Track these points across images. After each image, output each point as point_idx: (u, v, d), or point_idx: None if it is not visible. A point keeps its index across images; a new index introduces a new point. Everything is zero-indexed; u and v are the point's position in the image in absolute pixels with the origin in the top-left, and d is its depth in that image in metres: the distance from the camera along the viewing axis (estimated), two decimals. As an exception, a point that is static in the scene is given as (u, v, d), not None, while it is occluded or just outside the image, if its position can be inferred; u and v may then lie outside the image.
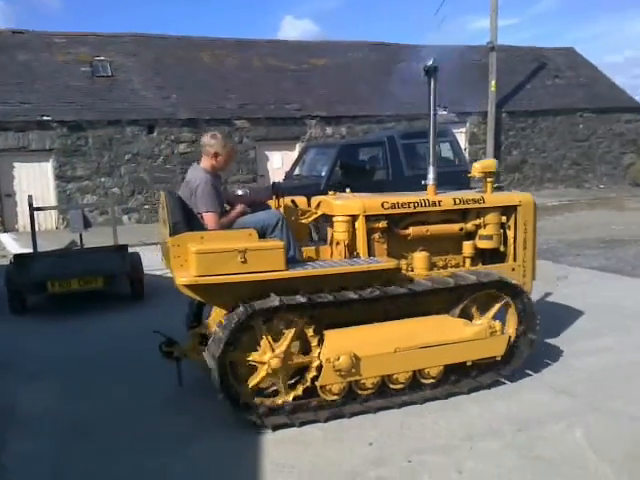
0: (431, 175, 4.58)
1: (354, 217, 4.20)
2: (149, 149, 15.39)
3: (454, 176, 10.05)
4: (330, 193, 4.62)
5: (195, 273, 3.53)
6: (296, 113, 16.81)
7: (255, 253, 3.59)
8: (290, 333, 3.76)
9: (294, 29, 64.89)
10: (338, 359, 3.72)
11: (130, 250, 7.56)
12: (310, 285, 3.80)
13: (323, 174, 9.46)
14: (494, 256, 4.66)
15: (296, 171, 10.87)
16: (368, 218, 4.23)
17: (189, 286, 3.62)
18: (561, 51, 24.50)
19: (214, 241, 3.68)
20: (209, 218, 3.98)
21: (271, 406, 3.81)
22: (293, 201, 4.51)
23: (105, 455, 3.57)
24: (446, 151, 10.86)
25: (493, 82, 18.87)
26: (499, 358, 4.22)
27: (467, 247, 4.52)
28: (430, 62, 4.46)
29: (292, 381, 3.94)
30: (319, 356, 3.80)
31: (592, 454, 3.35)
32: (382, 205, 4.28)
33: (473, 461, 3.34)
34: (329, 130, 17.08)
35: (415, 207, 4.36)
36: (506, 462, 3.32)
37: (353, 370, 3.77)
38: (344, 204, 4.29)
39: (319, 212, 4.49)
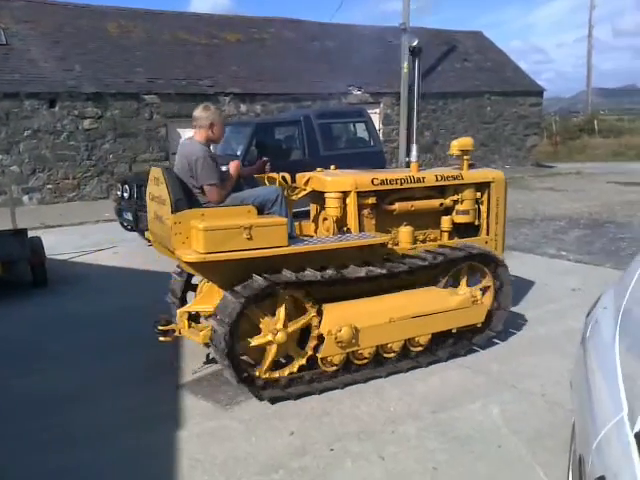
0: (414, 152, 4.78)
1: (346, 193, 4.31)
2: (51, 124, 14.41)
3: (369, 157, 10.12)
4: (318, 170, 4.65)
5: (203, 250, 3.52)
6: (209, 89, 16.30)
7: (260, 229, 3.63)
8: (282, 308, 3.81)
9: (205, 2, 63.03)
10: (340, 331, 3.85)
11: (31, 234, 7.04)
12: (309, 260, 3.87)
13: (238, 153, 9.21)
14: (468, 230, 4.90)
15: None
16: (359, 194, 4.34)
17: (195, 263, 3.61)
18: (470, 35, 25.22)
19: (215, 218, 3.67)
20: (212, 191, 3.93)
21: (274, 379, 3.89)
22: (284, 177, 4.54)
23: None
24: (361, 132, 10.90)
25: (406, 64, 19.11)
26: (479, 325, 4.49)
27: (445, 221, 4.77)
28: (415, 43, 4.63)
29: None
30: (319, 328, 3.90)
31: (507, 431, 3.45)
32: (372, 181, 4.41)
33: (394, 446, 3.35)
34: (243, 108, 16.71)
35: (402, 183, 4.53)
36: (426, 444, 3.35)
37: (353, 341, 3.91)
38: (336, 180, 4.38)
39: (308, 189, 4.53)
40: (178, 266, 4.65)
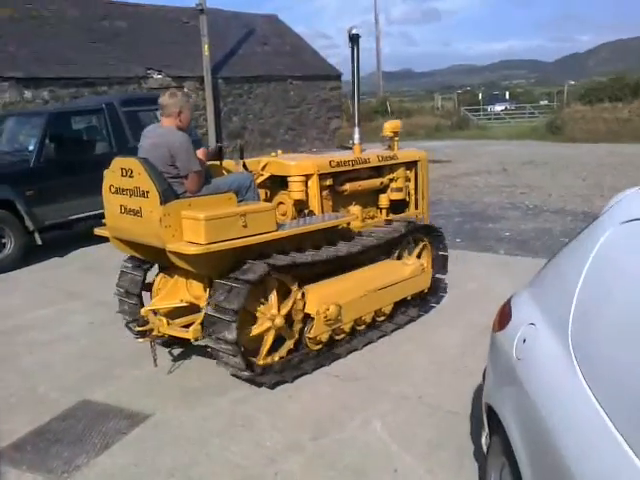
0: (357, 135, 4.96)
1: (308, 176, 4.37)
2: None
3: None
4: (272, 154, 4.67)
5: (204, 240, 3.41)
6: (-19, 74, 13.95)
7: (253, 215, 3.62)
8: (273, 293, 3.83)
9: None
10: (328, 309, 3.94)
11: None
12: (287, 243, 3.94)
13: (31, 148, 7.82)
14: (399, 206, 5.21)
15: (-7, 146, 8.86)
16: (320, 177, 4.42)
17: (196, 255, 3.45)
18: (266, 18, 25.10)
19: (201, 207, 3.55)
20: (195, 178, 3.74)
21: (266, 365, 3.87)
22: (244, 164, 4.48)
23: None
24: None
25: (206, 46, 18.31)
26: (426, 290, 4.95)
27: (383, 199, 5.05)
28: (354, 30, 4.70)
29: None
30: (303, 309, 3.96)
31: (397, 449, 3.15)
32: (330, 164, 4.53)
33: (283, 491, 2.85)
34: (28, 94, 14.60)
35: (353, 165, 4.71)
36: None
37: (338, 318, 4.04)
38: (299, 164, 4.42)
39: (266, 174, 4.49)
40: (130, 261, 4.37)
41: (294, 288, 3.95)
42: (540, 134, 23.03)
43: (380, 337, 4.48)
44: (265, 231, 3.70)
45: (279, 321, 3.81)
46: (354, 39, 4.75)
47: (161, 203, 3.47)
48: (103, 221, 4.20)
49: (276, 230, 3.77)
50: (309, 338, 4.01)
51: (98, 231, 4.30)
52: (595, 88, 24.68)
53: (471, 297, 5.27)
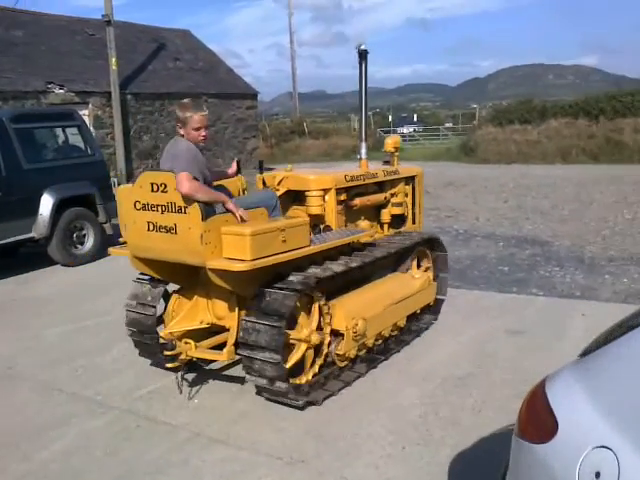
0: (363, 150, 4.94)
1: (326, 191, 4.31)
2: None
3: (88, 168, 8.34)
4: (286, 169, 4.50)
5: (249, 256, 3.30)
6: None
7: (291, 231, 3.56)
8: (316, 306, 3.80)
9: None
10: (357, 324, 3.90)
11: None
12: (316, 257, 3.88)
13: None
14: (397, 221, 5.17)
15: None
16: (337, 191, 4.37)
17: (239, 273, 3.34)
18: (178, 33, 24.13)
19: (225, 223, 3.42)
20: (182, 177, 3.32)
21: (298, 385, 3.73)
22: (263, 180, 4.42)
23: None
24: (74, 138, 8.95)
25: (114, 60, 17.15)
26: (432, 303, 4.98)
27: (385, 214, 5.01)
28: (362, 46, 4.67)
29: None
30: (331, 325, 3.87)
31: None
32: (345, 178, 4.47)
33: None
34: None
35: (364, 179, 4.67)
36: None
37: (365, 332, 4.00)
38: (319, 179, 4.34)
39: (282, 189, 4.35)
40: (144, 280, 4.07)
41: (321, 303, 3.84)
42: (454, 155, 23.38)
43: (398, 350, 4.48)
44: (301, 246, 3.64)
45: (315, 338, 3.74)
46: (362, 55, 4.73)
47: (203, 219, 3.33)
48: (120, 240, 4.04)
49: (309, 245, 3.71)
50: (337, 355, 3.93)
51: (115, 251, 4.06)
52: (505, 110, 25.45)
53: (419, 340, 4.71)
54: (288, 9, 34.26)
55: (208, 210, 3.38)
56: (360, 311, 3.99)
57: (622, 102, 21.90)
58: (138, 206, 3.61)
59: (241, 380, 3.99)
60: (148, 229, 3.57)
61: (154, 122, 19.03)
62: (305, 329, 3.71)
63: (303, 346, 3.71)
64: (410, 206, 5.29)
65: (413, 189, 5.31)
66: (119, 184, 16.85)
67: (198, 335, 3.95)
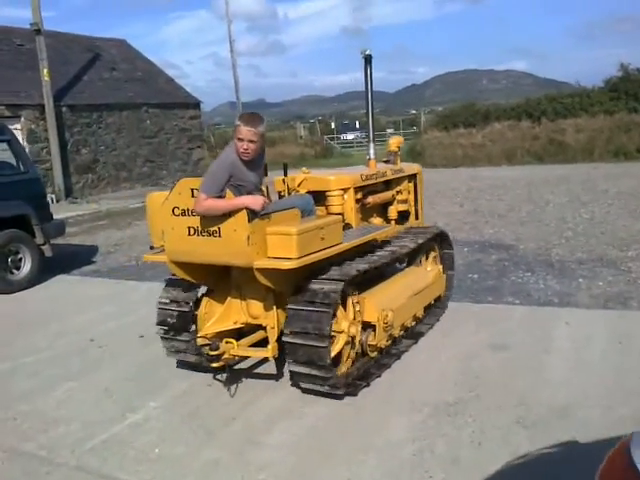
0: (372, 151, 5.13)
1: (345, 190, 4.42)
2: None
3: (22, 186, 7.63)
4: (304, 170, 4.55)
5: (296, 254, 3.46)
6: None
7: (328, 228, 3.72)
8: (350, 300, 3.91)
9: None
10: (387, 315, 4.02)
11: None
12: (348, 253, 4.02)
13: None
14: (402, 217, 5.33)
15: None
16: (355, 190, 4.50)
17: (285, 271, 3.47)
18: (113, 42, 23.26)
19: (269, 224, 3.55)
20: (197, 199, 3.48)
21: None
22: (284, 180, 4.46)
23: None
24: (4, 154, 8.22)
25: (45, 70, 16.25)
26: (442, 295, 5.23)
27: (392, 211, 5.18)
28: (367, 51, 4.86)
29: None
30: (362, 317, 3.98)
31: None
32: (361, 177, 4.61)
33: None
34: None
35: (377, 178, 4.86)
36: None
37: (394, 323, 4.12)
38: (339, 178, 4.47)
39: (302, 190, 4.42)
40: (175, 282, 4.20)
41: (354, 296, 3.96)
42: (402, 160, 23.35)
43: (417, 342, 4.59)
44: (336, 243, 3.82)
45: (354, 329, 3.88)
46: (367, 59, 4.93)
47: (249, 221, 3.44)
48: (153, 246, 4.15)
49: (342, 242, 3.88)
50: (370, 345, 4.02)
51: (150, 257, 4.16)
52: (449, 115, 25.68)
53: (400, 363, 4.34)
54: (226, 17, 33.69)
55: (252, 212, 3.46)
56: (388, 303, 4.16)
57: (562, 104, 22.43)
58: (177, 212, 3.70)
59: (209, 422, 3.53)
60: (189, 234, 3.67)
61: (92, 134, 18.17)
62: (343, 321, 3.82)
63: (342, 338, 3.80)
64: (413, 203, 5.54)
65: (415, 186, 5.57)
66: (57, 200, 15.95)
67: (230, 336, 4.01)
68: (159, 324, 4.20)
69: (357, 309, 3.97)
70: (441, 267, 5.25)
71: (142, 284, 7.24)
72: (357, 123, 51.15)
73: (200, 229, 3.63)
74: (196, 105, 22.80)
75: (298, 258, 3.47)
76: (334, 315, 3.69)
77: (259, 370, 4.35)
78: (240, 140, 3.59)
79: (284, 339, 3.66)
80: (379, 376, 4.03)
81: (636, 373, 3.77)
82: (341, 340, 3.80)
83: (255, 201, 3.49)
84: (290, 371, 3.77)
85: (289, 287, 3.77)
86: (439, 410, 3.52)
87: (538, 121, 22.39)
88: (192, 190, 3.59)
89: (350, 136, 39.81)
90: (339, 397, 3.71)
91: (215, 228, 3.57)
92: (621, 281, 5.81)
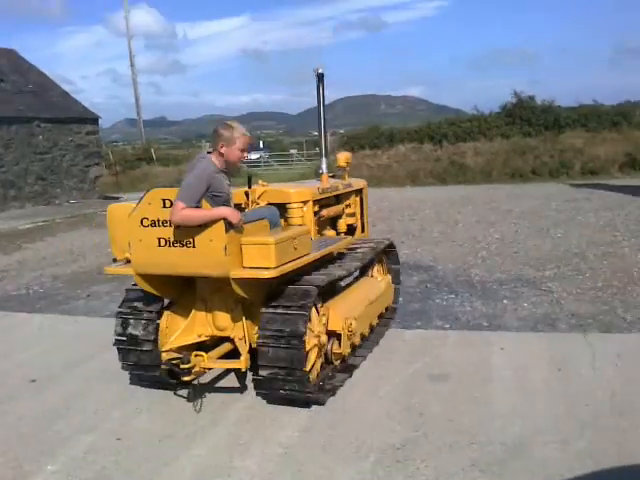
0: (324, 165, 5.23)
1: (305, 202, 4.52)
2: None
3: None
4: (261, 183, 4.61)
5: (275, 264, 3.49)
6: None
7: (300, 239, 3.77)
8: (318, 309, 3.95)
9: None
10: (351, 324, 4.12)
11: None
12: (316, 263, 4.14)
13: None
14: (350, 230, 5.45)
15: None
16: (313, 203, 4.61)
17: (264, 280, 3.56)
18: (1, 51, 21.58)
19: (243, 234, 3.57)
20: (174, 208, 3.41)
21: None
22: (247, 192, 4.44)
23: None
24: None
25: None
26: (392, 304, 5.38)
27: (342, 224, 5.30)
28: (320, 70, 5.07)
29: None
30: (327, 326, 4.03)
31: None
32: (318, 190, 4.73)
33: None
34: None
35: (331, 192, 4.99)
36: None
37: (356, 332, 4.26)
38: (299, 191, 4.55)
39: (262, 202, 4.45)
40: (137, 293, 4.10)
41: (319, 306, 3.99)
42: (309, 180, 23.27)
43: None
44: (306, 253, 3.87)
45: (324, 338, 3.92)
46: (320, 77, 5.11)
47: (226, 231, 3.43)
48: (117, 259, 4.05)
49: (310, 252, 3.93)
50: (334, 354, 4.07)
51: (112, 270, 4.02)
52: (355, 136, 25.96)
53: (334, 401, 3.97)
54: (127, 31, 32.50)
55: (228, 222, 3.44)
56: (351, 312, 4.22)
57: (462, 127, 23.29)
58: (146, 223, 3.61)
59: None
60: (159, 245, 3.60)
61: (-23, 150, 16.58)
62: (314, 330, 3.81)
63: (313, 346, 3.79)
64: (359, 216, 5.66)
65: (361, 200, 5.69)
66: None
67: (192, 350, 3.94)
68: (119, 335, 4.07)
69: (323, 318, 4.00)
70: (389, 278, 5.35)
71: (33, 316, 6.43)
72: (261, 143, 51.01)
73: (172, 240, 3.57)
74: (94, 120, 21.55)
75: (276, 267, 3.49)
76: (309, 320, 3.72)
77: (176, 418, 3.82)
78: (243, 150, 3.75)
79: (259, 343, 3.66)
80: (342, 385, 4.05)
81: (582, 401, 3.62)
82: (313, 348, 3.78)
83: (233, 213, 3.49)
84: (258, 379, 3.72)
85: (261, 296, 3.80)
86: (387, 455, 3.16)
87: (439, 144, 23.12)
88: (163, 200, 3.52)
89: (254, 156, 39.56)
90: (309, 405, 3.77)
91: (189, 239, 3.51)
92: (545, 302, 5.79)
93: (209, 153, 3.78)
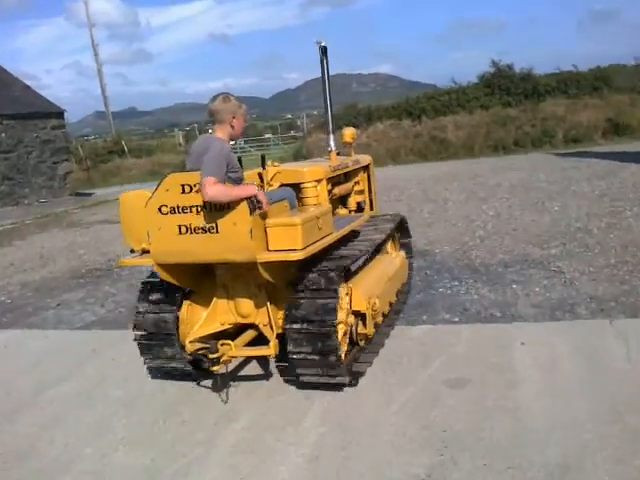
0: (332, 142, 5.10)
1: (319, 181, 4.39)
2: None
3: None
4: (273, 164, 4.44)
5: (302, 245, 3.41)
6: None
7: (323, 218, 3.70)
8: (342, 289, 3.75)
9: None
10: (375, 303, 4.01)
11: None
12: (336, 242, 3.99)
13: None
14: (359, 208, 5.38)
15: None
16: (327, 181, 4.53)
17: (293, 262, 3.44)
18: (-44, 47, 20.55)
19: (267, 216, 3.46)
20: (205, 183, 3.26)
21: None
22: (260, 174, 4.33)
23: None
24: None
25: None
26: (405, 280, 5.29)
27: (351, 201, 5.29)
28: (323, 42, 4.92)
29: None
30: (351, 306, 3.87)
31: None
32: (330, 168, 4.64)
33: None
34: None
35: (342, 169, 4.92)
36: None
37: (380, 310, 4.17)
38: (312, 170, 4.43)
39: (275, 183, 4.33)
40: (153, 285, 3.97)
41: (344, 286, 3.82)
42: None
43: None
44: (330, 232, 3.79)
45: (351, 319, 3.81)
46: (323, 51, 4.94)
47: (251, 213, 3.30)
48: (134, 249, 3.88)
49: (333, 231, 3.85)
50: (360, 334, 3.94)
51: (128, 261, 3.91)
52: (333, 116, 25.32)
53: (343, 414, 3.48)
54: (87, 21, 31.32)
55: (252, 205, 3.33)
56: (373, 290, 4.11)
57: (440, 101, 22.80)
58: (165, 210, 3.49)
59: None
60: (179, 232, 3.48)
61: None
62: (340, 311, 3.66)
63: (341, 328, 3.67)
64: (367, 193, 5.54)
65: (368, 177, 5.56)
66: None
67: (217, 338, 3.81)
68: (138, 330, 3.94)
69: (347, 297, 3.84)
70: (403, 253, 5.30)
71: (-2, 333, 5.84)
72: (235, 128, 50.13)
73: (193, 226, 3.44)
74: (59, 114, 20.61)
75: (303, 248, 3.40)
76: (337, 301, 3.60)
77: (162, 450, 3.30)
78: (246, 122, 3.76)
79: (288, 327, 3.55)
80: (370, 365, 3.96)
81: (627, 404, 3.16)
82: (341, 330, 3.66)
83: (260, 192, 3.41)
84: (287, 364, 3.69)
85: (286, 279, 3.69)
86: (413, 488, 2.69)
87: (419, 119, 22.61)
88: (183, 186, 3.40)
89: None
90: (340, 388, 3.67)
91: (211, 224, 3.39)
92: (557, 284, 5.34)
93: (210, 133, 3.78)
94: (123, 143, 27.75)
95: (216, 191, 3.26)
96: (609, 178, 11.18)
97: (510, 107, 21.50)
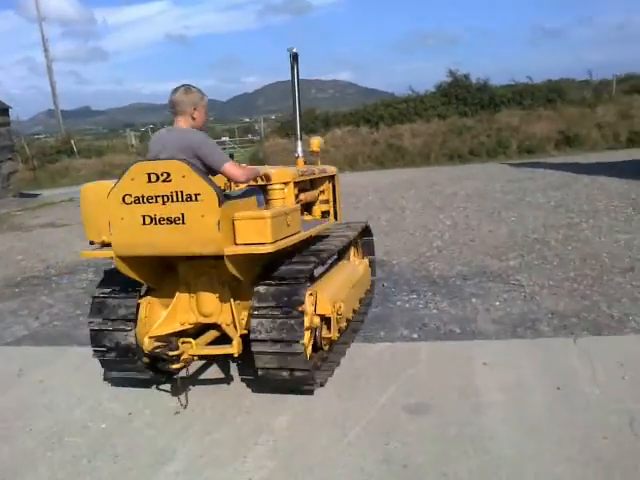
0: (299, 149, 5.13)
1: (286, 184, 4.30)
2: None
3: None
4: (242, 165, 4.05)
5: (271, 239, 3.33)
6: None
7: (292, 215, 3.65)
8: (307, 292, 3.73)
9: None
10: (340, 307, 3.97)
11: None
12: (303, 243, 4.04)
13: None
14: (323, 217, 5.23)
15: None
16: (294, 185, 4.43)
17: (261, 256, 3.37)
18: None
19: (237, 208, 3.40)
20: (232, 168, 3.47)
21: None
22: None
23: None
24: None
25: None
26: (369, 287, 5.30)
27: (316, 210, 5.15)
28: (294, 50, 4.97)
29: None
30: (315, 311, 3.81)
31: None
32: (298, 173, 4.56)
33: None
34: None
35: (309, 175, 4.82)
36: None
37: (344, 315, 4.12)
38: (280, 172, 4.30)
39: (242, 185, 4.12)
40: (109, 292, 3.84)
41: (308, 289, 3.76)
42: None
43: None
44: (297, 230, 3.73)
45: (317, 320, 3.74)
46: (294, 57, 4.99)
47: (219, 205, 3.20)
48: (94, 242, 3.77)
49: (300, 231, 3.79)
50: (324, 339, 3.90)
51: (90, 253, 3.77)
52: (289, 121, 25.09)
53: (292, 449, 3.18)
54: (37, 14, 30.18)
55: (221, 196, 3.27)
56: (337, 295, 4.07)
57: (398, 109, 22.85)
58: (128, 200, 3.34)
59: None
60: (144, 223, 3.33)
61: None
62: (308, 312, 3.64)
63: (307, 331, 3.62)
64: (332, 203, 5.50)
65: (333, 187, 5.52)
66: None
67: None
68: (93, 326, 3.78)
69: (311, 299, 3.79)
70: (366, 261, 5.36)
71: None
72: (192, 131, 49.32)
73: (158, 217, 3.31)
74: (4, 111, 19.68)
75: (273, 242, 3.32)
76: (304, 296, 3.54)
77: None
78: (207, 114, 3.71)
79: (254, 315, 3.46)
80: (338, 365, 3.99)
81: (597, 433, 2.96)
82: (307, 333, 3.62)
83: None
84: (256, 353, 3.48)
85: (252, 276, 3.63)
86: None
87: (376, 126, 22.59)
88: (149, 175, 3.25)
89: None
90: (310, 391, 3.63)
91: (177, 215, 3.27)
92: (517, 298, 5.18)
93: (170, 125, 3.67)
94: (72, 142, 26.75)
95: (248, 171, 3.53)
96: (564, 189, 11.26)
97: (466, 117, 21.70)
